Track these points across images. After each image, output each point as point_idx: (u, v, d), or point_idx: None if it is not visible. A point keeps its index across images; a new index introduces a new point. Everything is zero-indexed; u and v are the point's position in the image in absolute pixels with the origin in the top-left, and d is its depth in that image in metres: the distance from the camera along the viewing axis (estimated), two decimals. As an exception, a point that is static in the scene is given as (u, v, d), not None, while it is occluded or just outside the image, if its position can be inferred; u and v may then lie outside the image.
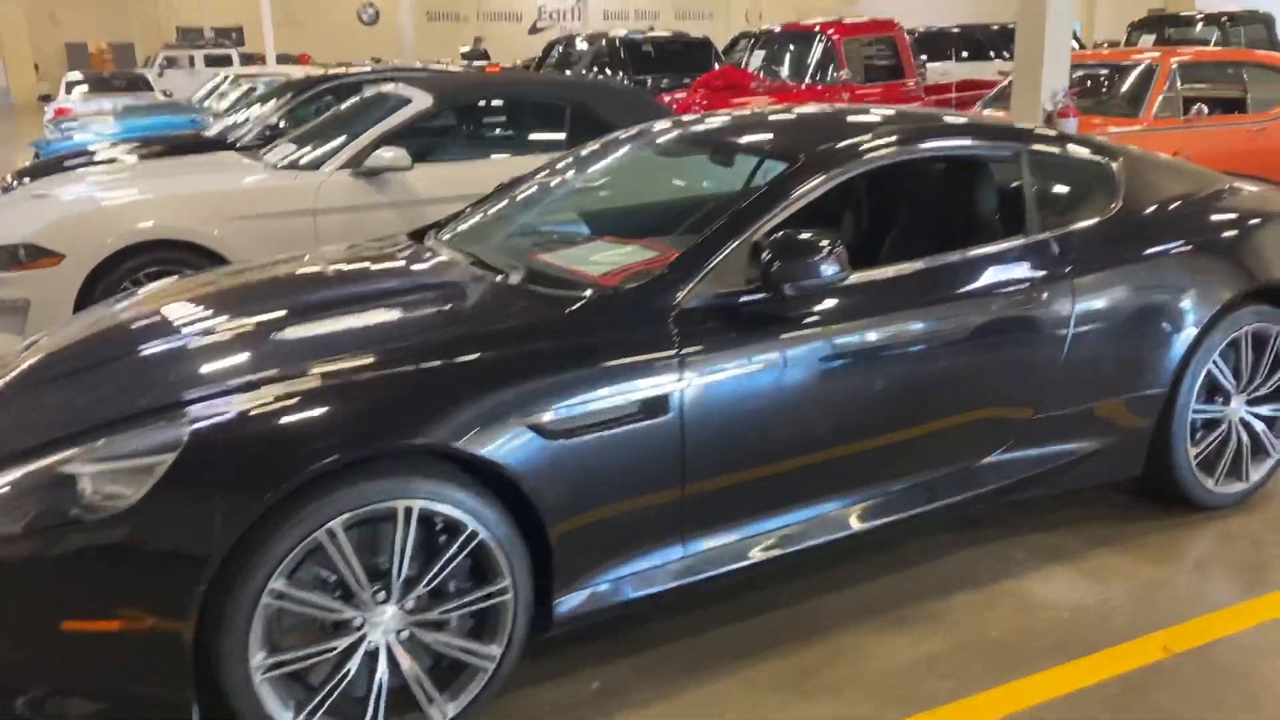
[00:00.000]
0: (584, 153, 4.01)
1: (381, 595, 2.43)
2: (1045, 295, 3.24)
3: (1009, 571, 3.35)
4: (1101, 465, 3.52)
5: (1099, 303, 3.33)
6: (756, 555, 2.91)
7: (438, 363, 2.53)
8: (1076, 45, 14.71)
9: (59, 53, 37.27)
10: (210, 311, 3.07)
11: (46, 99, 17.24)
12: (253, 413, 2.36)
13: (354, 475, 2.34)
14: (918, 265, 3.14)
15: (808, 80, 10.56)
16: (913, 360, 3.06)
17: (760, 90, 10.32)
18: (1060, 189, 3.64)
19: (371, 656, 2.45)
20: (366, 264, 3.44)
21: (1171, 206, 3.63)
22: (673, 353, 2.69)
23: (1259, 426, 3.74)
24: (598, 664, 2.89)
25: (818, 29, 10.73)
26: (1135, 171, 3.67)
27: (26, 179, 6.96)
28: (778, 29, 11.79)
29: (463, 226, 3.69)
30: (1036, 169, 3.47)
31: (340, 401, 2.40)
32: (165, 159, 6.79)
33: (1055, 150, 3.58)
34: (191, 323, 2.98)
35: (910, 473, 3.13)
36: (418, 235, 3.70)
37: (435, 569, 2.45)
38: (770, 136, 3.52)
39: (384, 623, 2.44)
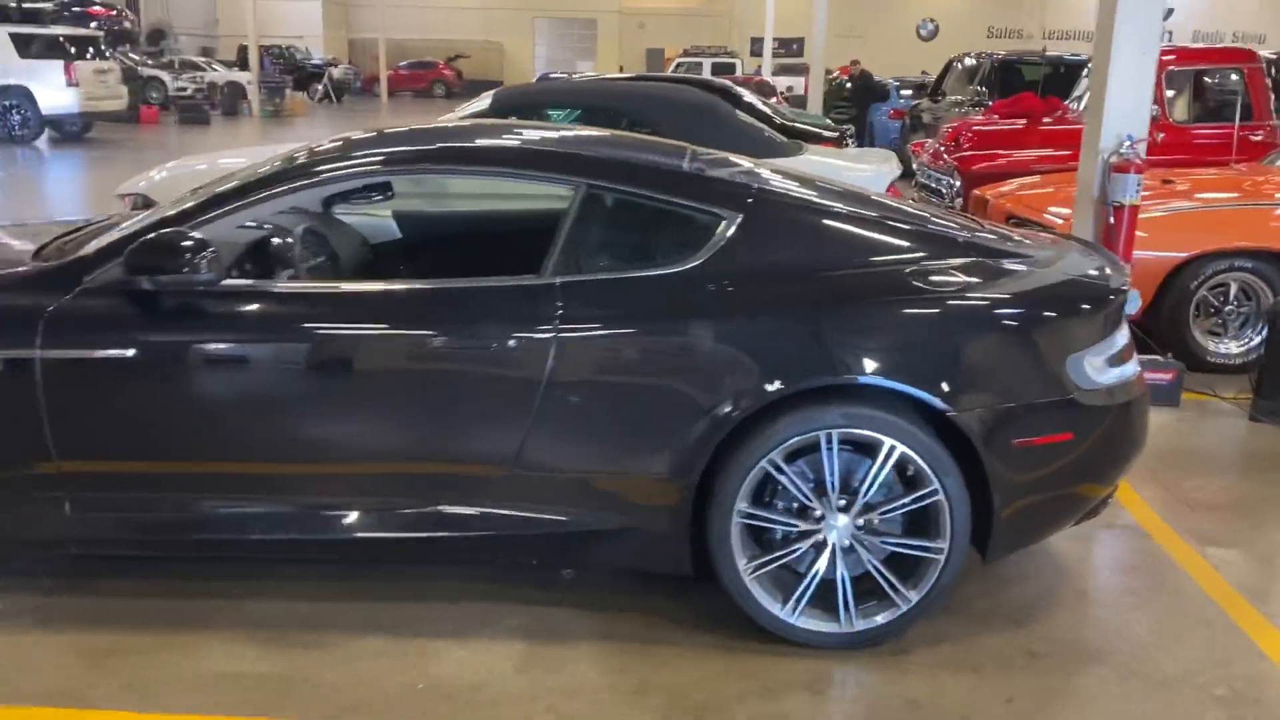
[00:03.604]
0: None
1: None
2: (512, 345, 2.89)
3: (468, 633, 3.05)
4: (635, 549, 3.03)
5: (587, 364, 2.90)
6: (141, 537, 3.06)
7: None
8: None
9: (640, 57, 42.19)
10: None
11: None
12: None
13: None
14: (352, 287, 3.02)
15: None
16: (302, 384, 2.96)
17: (1054, 120, 9.04)
18: (615, 234, 3.15)
19: None
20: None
21: (761, 276, 2.95)
22: (36, 325, 2.91)
23: (867, 558, 2.95)
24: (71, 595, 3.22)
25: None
26: (762, 231, 3.02)
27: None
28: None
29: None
30: (592, 208, 3.06)
31: None
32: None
33: (631, 191, 3.08)
34: None
35: (301, 500, 3.02)
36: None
37: None
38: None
39: None
